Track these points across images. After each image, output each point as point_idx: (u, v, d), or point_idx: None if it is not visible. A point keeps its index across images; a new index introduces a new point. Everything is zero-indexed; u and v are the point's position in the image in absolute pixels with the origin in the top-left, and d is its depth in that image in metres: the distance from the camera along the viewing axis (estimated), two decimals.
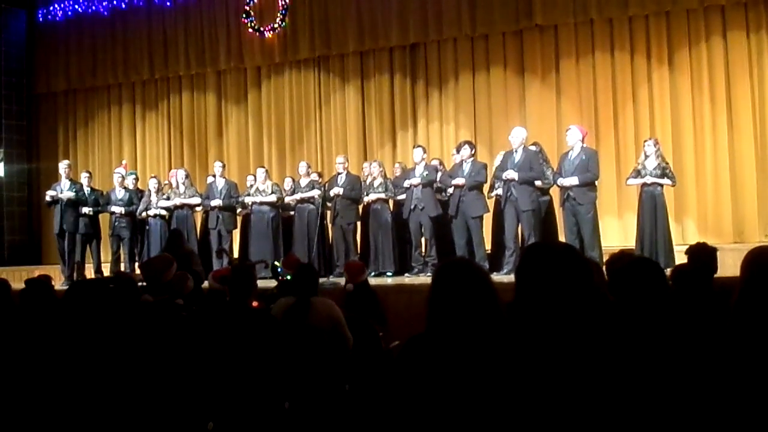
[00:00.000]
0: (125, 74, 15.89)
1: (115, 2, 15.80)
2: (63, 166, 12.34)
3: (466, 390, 2.33)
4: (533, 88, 13.16)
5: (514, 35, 13.31)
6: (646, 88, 12.46)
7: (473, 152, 10.41)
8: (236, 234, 12.12)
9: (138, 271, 8.32)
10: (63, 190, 11.96)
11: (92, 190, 12.37)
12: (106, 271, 12.02)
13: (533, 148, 10.20)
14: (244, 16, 14.67)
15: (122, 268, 11.81)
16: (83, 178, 12.33)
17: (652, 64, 12.43)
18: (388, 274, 10.72)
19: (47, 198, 12.10)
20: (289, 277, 6.39)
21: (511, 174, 9.66)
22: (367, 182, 11.21)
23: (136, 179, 12.74)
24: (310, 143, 14.71)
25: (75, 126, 16.59)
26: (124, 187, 12.21)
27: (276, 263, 8.51)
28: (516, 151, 9.84)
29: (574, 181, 9.44)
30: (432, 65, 13.88)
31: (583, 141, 9.69)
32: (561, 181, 9.60)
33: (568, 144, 9.84)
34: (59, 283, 10.87)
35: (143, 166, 15.63)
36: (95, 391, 3.63)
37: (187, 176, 12.02)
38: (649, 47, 12.46)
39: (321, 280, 6.08)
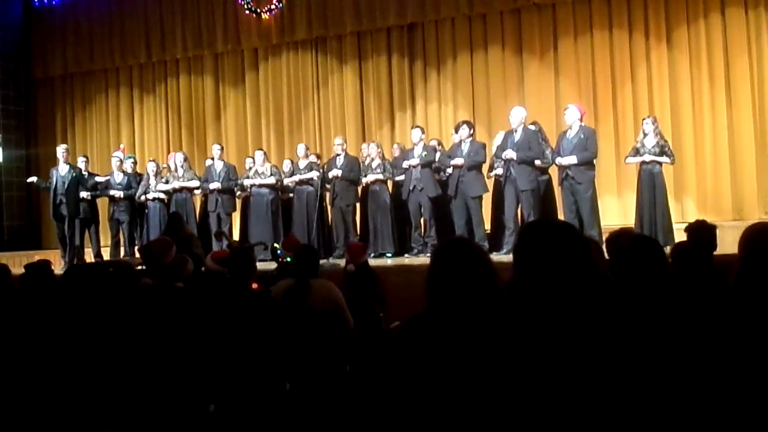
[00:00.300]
0: (122, 58, 15.84)
1: None
2: (61, 150, 12.30)
3: (466, 369, 2.33)
4: (531, 68, 13.13)
5: (512, 14, 13.27)
6: (644, 67, 12.44)
7: (472, 132, 10.40)
8: (235, 216, 12.13)
9: (137, 255, 8.32)
10: (61, 175, 11.92)
11: (90, 174, 12.35)
12: (106, 255, 12.03)
13: (532, 127, 10.19)
14: None
15: (122, 253, 11.82)
16: (80, 162, 12.32)
17: (650, 42, 12.41)
18: (388, 254, 10.73)
19: (44, 184, 12.07)
20: (289, 259, 6.39)
21: (510, 153, 9.65)
22: (366, 163, 11.20)
23: (135, 163, 12.73)
24: (308, 125, 14.69)
25: (73, 110, 16.56)
26: (123, 171, 12.19)
27: (276, 245, 8.52)
28: (516, 131, 9.82)
29: (572, 160, 9.43)
30: (430, 45, 13.85)
31: (581, 120, 9.68)
32: (559, 160, 9.60)
33: (566, 123, 9.82)
34: (59, 268, 10.87)
35: (141, 150, 15.61)
36: (96, 375, 3.64)
37: (185, 159, 12.02)
38: (647, 25, 12.43)
39: (321, 261, 6.08)
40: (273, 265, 7.65)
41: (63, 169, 12.00)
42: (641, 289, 3.02)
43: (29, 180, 12.08)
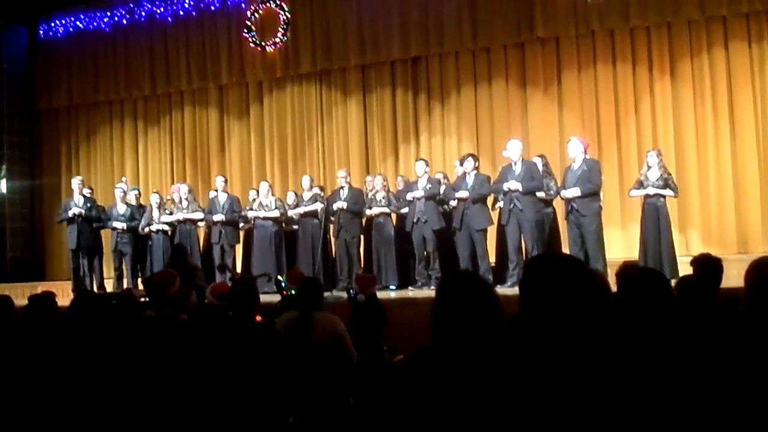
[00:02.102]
0: (127, 90, 15.93)
1: (116, 18, 15.88)
2: (76, 182, 12.36)
3: (471, 404, 2.33)
4: (535, 100, 13.18)
5: (516, 47, 13.34)
6: (648, 99, 12.47)
7: (476, 165, 10.42)
8: (239, 248, 12.12)
9: (140, 287, 8.31)
10: (77, 206, 11.97)
11: (94, 205, 12.38)
12: (109, 287, 12.02)
13: (538, 160, 10.21)
14: (245, 30, 14.72)
15: (125, 284, 11.81)
16: (85, 194, 12.35)
17: (654, 75, 12.45)
18: (392, 287, 10.71)
19: (68, 214, 12.04)
20: (293, 292, 6.38)
21: (513, 184, 9.65)
22: (370, 196, 11.22)
23: (139, 195, 12.75)
24: (312, 157, 14.72)
25: (77, 142, 16.63)
26: (126, 203, 12.21)
27: (279, 277, 8.52)
28: (515, 164, 9.84)
29: (576, 192, 9.43)
30: (434, 78, 13.91)
31: (585, 152, 9.69)
32: (564, 193, 9.59)
33: (569, 156, 9.84)
34: (66, 299, 10.87)
35: (145, 182, 15.65)
36: (98, 407, 3.63)
37: (189, 191, 12.04)
38: (651, 58, 12.47)
39: (324, 294, 6.07)
40: (277, 298, 7.64)
41: (79, 200, 12.04)
42: (647, 323, 3.01)
43: (71, 213, 11.98)
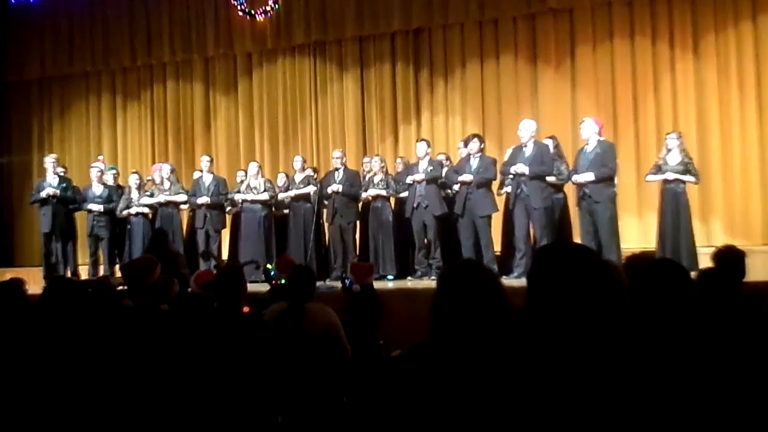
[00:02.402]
0: (104, 61, 15.87)
1: None
2: (50, 160, 12.31)
3: (474, 403, 2.33)
4: (546, 78, 13.16)
5: (526, 19, 13.32)
6: (668, 77, 12.46)
7: (482, 146, 10.41)
8: (225, 234, 12.12)
9: (118, 274, 8.31)
10: (51, 186, 11.94)
11: (69, 185, 12.34)
12: (84, 274, 12.01)
13: (549, 141, 10.21)
14: None
15: (101, 271, 11.81)
16: (59, 173, 12.30)
17: (675, 51, 12.43)
18: (389, 277, 10.72)
19: (42, 195, 12.01)
20: (282, 281, 6.39)
21: (521, 168, 9.65)
22: (367, 178, 11.21)
23: (117, 175, 12.72)
24: (305, 136, 14.72)
25: (50, 117, 16.57)
26: (103, 183, 12.18)
27: (269, 266, 8.52)
28: (526, 146, 9.84)
29: (589, 176, 9.43)
30: (437, 52, 13.88)
31: (599, 133, 9.69)
32: (575, 178, 9.59)
33: (582, 137, 9.84)
34: (38, 287, 10.87)
35: (124, 161, 15.63)
36: (72, 403, 3.63)
37: (172, 171, 12.01)
38: (672, 32, 12.45)
39: (317, 283, 6.08)
40: (266, 287, 7.65)
41: (53, 180, 12.01)
42: (665, 318, 3.01)
43: (44, 194, 11.93)
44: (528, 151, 9.80)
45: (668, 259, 3.74)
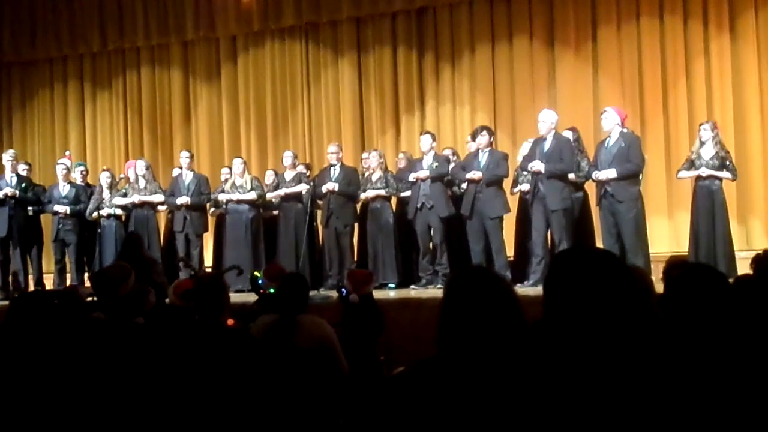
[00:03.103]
0: (72, 45, 15.87)
1: None
2: (8, 156, 12.24)
3: (484, 427, 2.34)
4: (565, 62, 13.17)
5: None
6: (702, 61, 12.47)
7: (492, 140, 10.42)
8: (208, 238, 12.12)
9: (88, 283, 8.31)
10: (9, 185, 11.90)
11: (31, 184, 12.31)
12: (49, 283, 12.00)
13: (569, 134, 10.20)
14: None
15: (68, 280, 11.81)
16: (21, 171, 12.27)
17: (709, 31, 12.44)
18: (391, 285, 10.73)
19: None
20: (272, 290, 6.40)
21: (537, 165, 9.65)
22: (366, 176, 11.22)
23: (86, 172, 12.70)
24: (296, 129, 14.73)
25: (9, 108, 16.57)
26: (70, 182, 12.16)
27: (256, 273, 8.53)
28: (546, 139, 9.84)
29: (611, 173, 9.43)
30: (443, 34, 13.90)
31: (622, 125, 9.68)
32: (596, 175, 9.57)
33: (603, 130, 9.83)
34: None
35: (94, 157, 15.65)
36: (35, 426, 3.64)
37: (147, 168, 11.99)
38: (706, 10, 12.47)
39: (310, 293, 6.09)
40: (253, 297, 7.66)
41: (11, 179, 11.96)
42: (699, 330, 3.02)
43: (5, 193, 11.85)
44: (547, 145, 9.80)
45: (705, 265, 3.75)
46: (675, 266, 4.48)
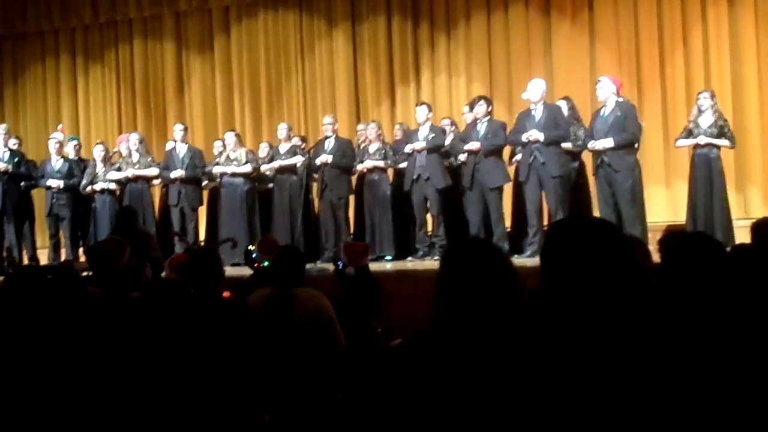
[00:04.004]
0: (63, 17, 15.81)
1: None
2: (0, 131, 12.22)
3: (481, 397, 2.35)
4: (561, 31, 13.13)
5: None
6: (699, 28, 12.43)
7: (490, 110, 10.39)
8: (202, 212, 12.12)
9: (82, 258, 8.32)
10: (2, 160, 11.87)
11: (23, 159, 12.28)
12: (43, 258, 12.00)
13: (562, 103, 10.18)
14: None
15: (63, 255, 11.80)
16: (11, 146, 12.24)
17: None
18: (388, 258, 10.72)
19: None
20: (266, 264, 6.40)
21: (535, 134, 9.62)
22: (362, 148, 11.20)
23: (78, 146, 12.67)
24: (290, 101, 14.70)
25: (1, 82, 16.51)
26: (63, 156, 12.13)
27: (250, 247, 8.53)
28: (535, 109, 9.82)
29: (608, 143, 9.40)
30: (438, 3, 13.86)
31: (617, 93, 9.65)
32: (592, 144, 9.53)
33: (599, 99, 9.81)
34: None
35: (87, 130, 15.62)
36: (31, 402, 3.65)
37: (141, 142, 11.96)
38: None
39: (306, 266, 6.10)
40: (248, 271, 7.67)
41: (3, 154, 11.93)
42: (696, 300, 3.02)
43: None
44: (538, 114, 9.77)
45: (702, 233, 3.74)
46: (671, 235, 4.48)
